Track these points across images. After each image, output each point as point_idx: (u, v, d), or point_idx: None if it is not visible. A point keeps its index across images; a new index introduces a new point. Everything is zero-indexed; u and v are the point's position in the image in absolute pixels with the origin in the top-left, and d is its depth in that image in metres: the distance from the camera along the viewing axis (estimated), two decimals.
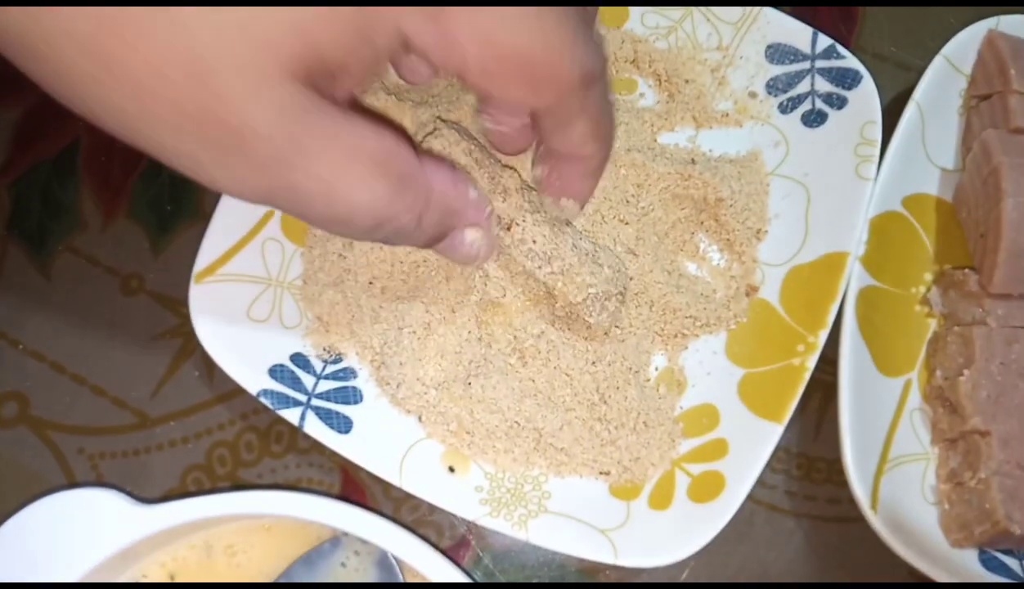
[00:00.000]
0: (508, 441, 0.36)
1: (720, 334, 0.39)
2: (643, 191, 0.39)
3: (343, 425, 0.36)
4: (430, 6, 0.21)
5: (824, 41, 0.40)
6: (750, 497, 0.34)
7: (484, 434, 0.36)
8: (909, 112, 0.39)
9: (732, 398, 0.37)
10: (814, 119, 0.41)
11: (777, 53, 0.41)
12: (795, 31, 0.41)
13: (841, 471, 0.36)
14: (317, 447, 0.37)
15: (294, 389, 0.36)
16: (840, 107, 0.40)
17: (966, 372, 0.36)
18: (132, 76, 0.20)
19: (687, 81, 0.42)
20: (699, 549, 0.34)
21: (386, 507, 0.39)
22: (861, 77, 0.40)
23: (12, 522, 0.34)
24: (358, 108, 0.24)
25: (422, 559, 0.34)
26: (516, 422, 0.36)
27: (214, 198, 0.39)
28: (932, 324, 0.40)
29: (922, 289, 0.40)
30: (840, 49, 0.40)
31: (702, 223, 0.40)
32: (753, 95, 0.42)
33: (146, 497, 0.36)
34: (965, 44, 0.40)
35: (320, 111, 0.22)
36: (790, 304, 0.38)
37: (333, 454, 0.36)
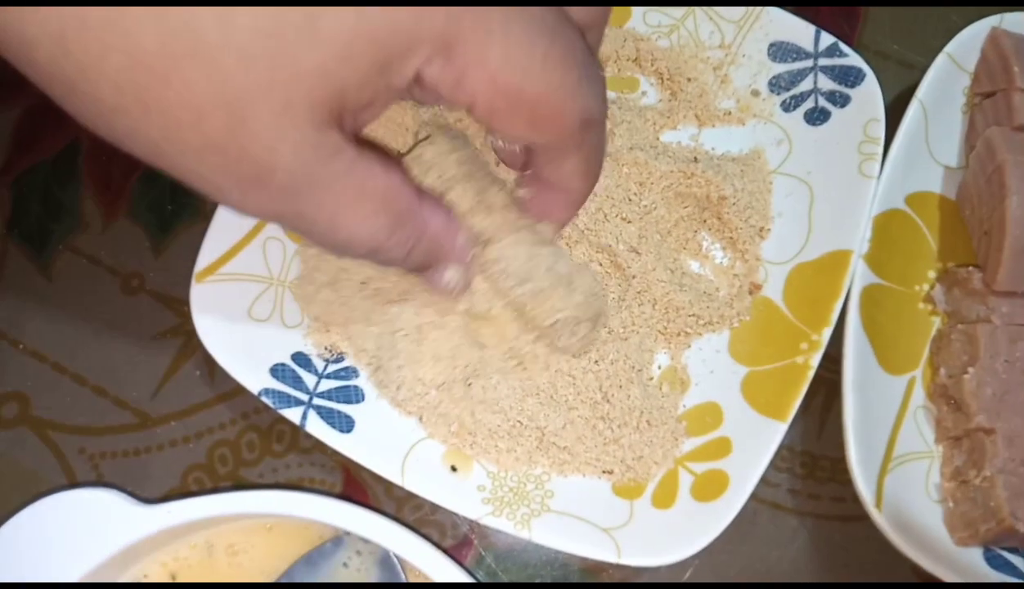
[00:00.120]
0: (511, 441, 0.36)
1: (723, 332, 0.39)
2: (646, 189, 0.39)
3: (345, 424, 0.36)
4: (445, 49, 0.22)
5: (827, 39, 0.40)
6: (754, 496, 0.34)
7: (486, 434, 0.36)
8: (912, 110, 0.39)
9: (735, 396, 0.37)
10: (817, 117, 0.41)
11: (780, 51, 0.41)
12: (798, 29, 0.41)
13: (845, 469, 0.35)
14: (319, 446, 0.37)
15: (296, 388, 0.36)
16: (843, 105, 0.40)
17: (970, 370, 0.36)
18: (168, 112, 0.21)
19: (689, 79, 0.42)
20: (702, 548, 0.34)
21: (388, 506, 0.39)
22: (864, 75, 0.39)
23: (13, 522, 0.34)
24: (368, 143, 0.25)
25: (424, 559, 0.34)
26: (519, 421, 0.36)
27: None
28: (936, 322, 0.40)
29: (926, 287, 0.40)
30: (843, 47, 0.40)
31: (705, 221, 0.40)
32: (756, 93, 0.42)
33: (147, 497, 0.36)
34: (968, 41, 0.40)
35: (338, 150, 0.23)
36: (793, 302, 0.38)
37: (335, 453, 0.35)
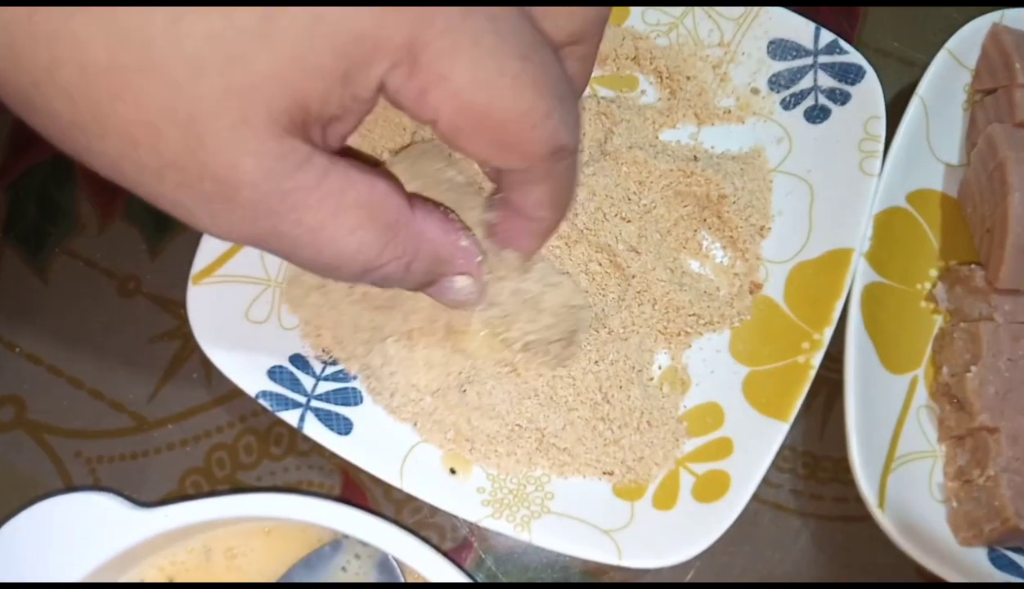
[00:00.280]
0: (510, 444, 0.36)
1: (724, 332, 0.39)
2: (645, 188, 0.39)
3: (343, 426, 0.36)
4: (409, 58, 0.21)
5: (827, 36, 0.40)
6: (755, 496, 0.34)
7: (485, 440, 0.36)
8: (913, 107, 0.39)
9: (736, 396, 0.37)
10: (817, 115, 0.40)
11: (779, 49, 0.41)
12: (797, 27, 0.41)
13: (847, 469, 0.35)
14: (317, 449, 0.37)
15: (293, 391, 0.36)
16: (843, 103, 0.40)
17: (973, 368, 0.36)
18: (122, 129, 0.20)
19: (689, 78, 0.42)
20: (704, 549, 0.33)
21: (387, 509, 0.39)
22: (864, 72, 0.39)
23: (9, 526, 0.34)
24: (352, 155, 0.23)
25: (424, 561, 0.33)
26: (517, 425, 0.36)
27: None
28: (938, 320, 0.40)
29: (927, 285, 0.40)
30: (843, 44, 0.40)
31: (705, 220, 0.40)
32: (755, 91, 0.42)
33: (144, 501, 0.35)
34: (969, 38, 0.40)
35: (306, 160, 0.21)
36: (794, 301, 0.38)
37: (333, 456, 0.35)
